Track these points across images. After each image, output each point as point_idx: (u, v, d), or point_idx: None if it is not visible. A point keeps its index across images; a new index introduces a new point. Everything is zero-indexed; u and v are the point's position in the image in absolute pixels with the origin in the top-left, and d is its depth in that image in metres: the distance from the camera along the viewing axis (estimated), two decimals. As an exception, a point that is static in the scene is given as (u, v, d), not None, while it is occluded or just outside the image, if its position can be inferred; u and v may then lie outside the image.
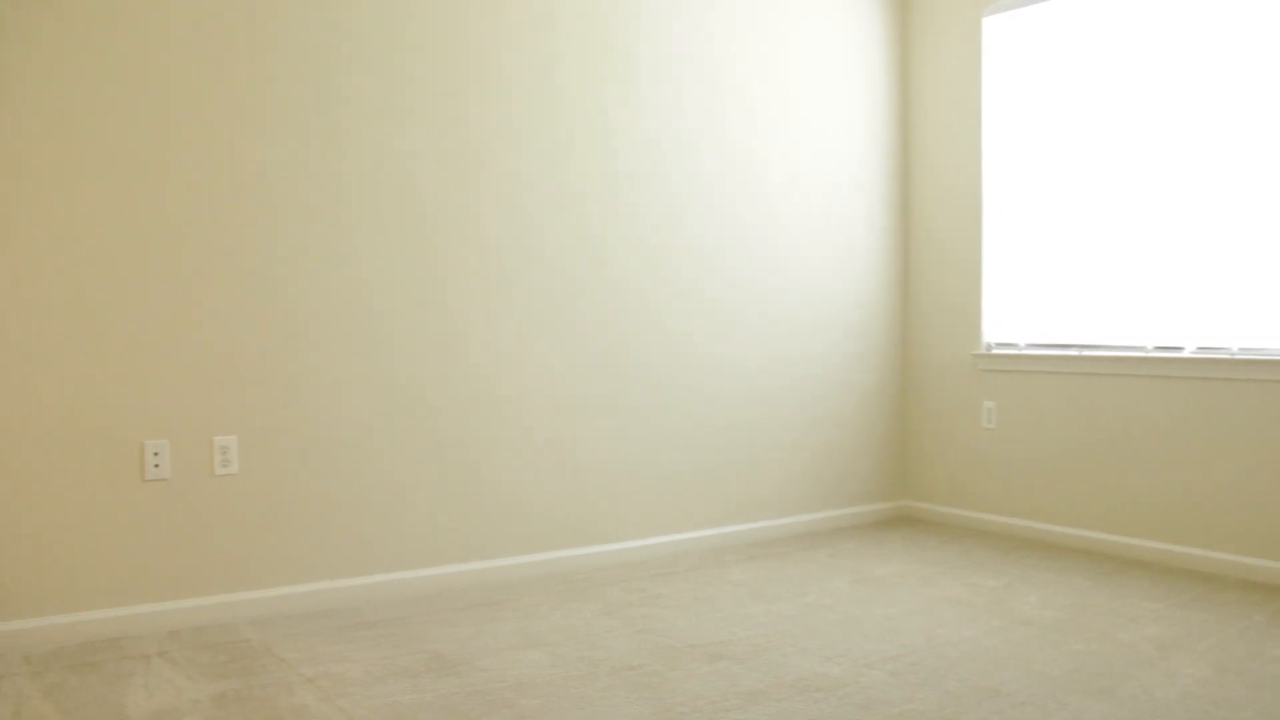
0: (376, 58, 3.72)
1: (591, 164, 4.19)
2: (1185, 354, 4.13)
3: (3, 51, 3.16)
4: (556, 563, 4.12)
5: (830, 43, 4.91)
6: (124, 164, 3.33)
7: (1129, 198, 4.35)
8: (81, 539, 3.29)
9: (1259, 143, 3.95)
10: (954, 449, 5.04)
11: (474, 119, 3.92)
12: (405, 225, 3.79)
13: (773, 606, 3.63)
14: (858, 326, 5.04)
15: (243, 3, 3.48)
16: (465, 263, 3.91)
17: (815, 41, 4.85)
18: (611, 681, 2.91)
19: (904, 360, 5.25)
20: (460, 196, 3.89)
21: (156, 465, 3.38)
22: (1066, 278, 4.57)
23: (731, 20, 4.57)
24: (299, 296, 3.60)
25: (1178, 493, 4.19)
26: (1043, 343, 4.68)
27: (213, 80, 3.45)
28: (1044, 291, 4.67)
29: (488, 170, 3.94)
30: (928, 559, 4.32)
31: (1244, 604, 3.63)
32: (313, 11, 3.59)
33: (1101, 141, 4.44)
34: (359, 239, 3.70)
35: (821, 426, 4.92)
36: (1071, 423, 4.55)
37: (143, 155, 3.35)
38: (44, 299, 3.22)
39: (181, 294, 3.41)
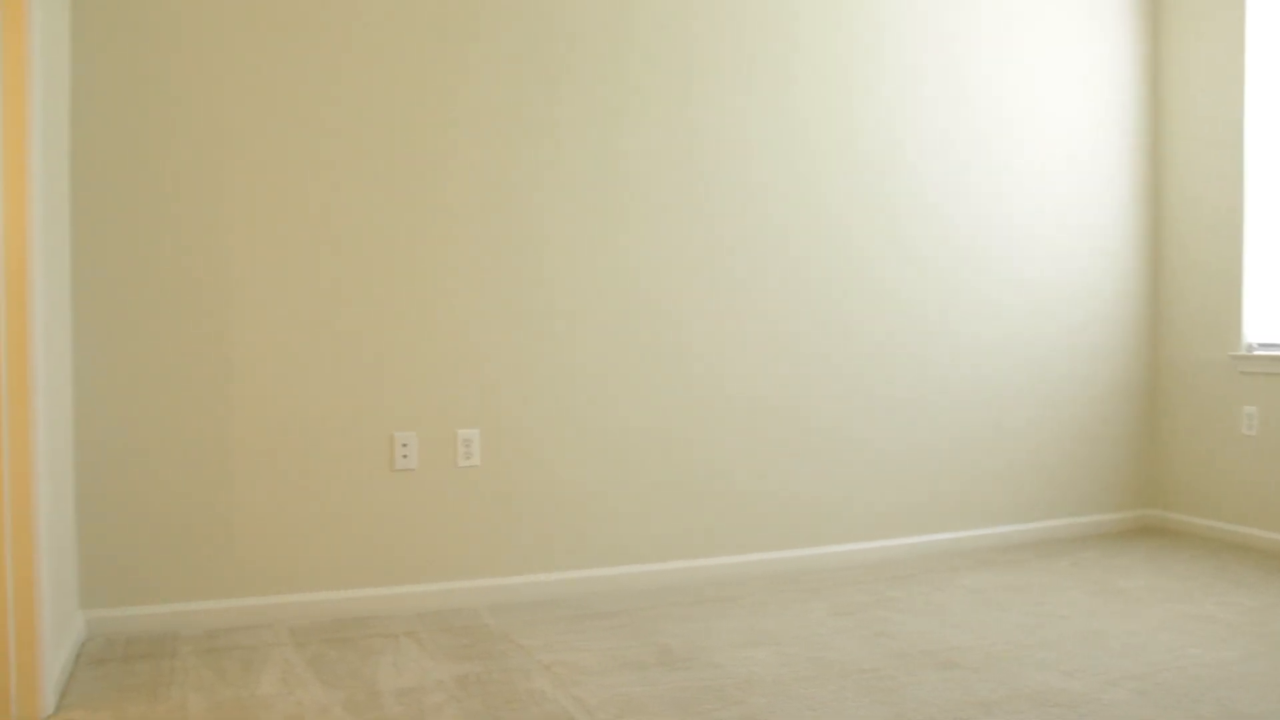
0: (605, 57, 3.81)
1: (834, 164, 4.15)
2: None
3: (254, 53, 3.41)
4: (786, 562, 4.11)
5: (1076, 36, 4.69)
6: (372, 168, 3.53)
7: None
8: (337, 522, 3.51)
9: None
10: (1208, 456, 4.74)
11: (711, 122, 3.95)
12: (643, 227, 3.86)
13: (1008, 615, 3.51)
14: (1102, 325, 4.80)
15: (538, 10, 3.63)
16: (697, 262, 3.95)
17: (1060, 35, 4.65)
18: (842, 684, 2.88)
19: (1153, 360, 4.96)
20: (690, 197, 3.93)
21: (405, 456, 3.57)
22: (1340, 274, 4.22)
23: (976, 17, 4.43)
24: (536, 296, 3.73)
25: None
26: (1312, 344, 4.34)
27: (491, 87, 3.61)
28: (1314, 289, 4.32)
29: (722, 171, 3.97)
30: (1177, 573, 4.08)
31: None
32: (601, 13, 3.71)
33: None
34: (589, 242, 3.80)
35: (1061, 429, 4.71)
36: (1344, 431, 4.20)
37: (391, 160, 3.55)
38: (304, 302, 3.46)
39: (429, 296, 3.59)
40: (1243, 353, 4.56)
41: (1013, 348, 4.57)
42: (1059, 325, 4.68)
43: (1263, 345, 4.53)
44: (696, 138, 3.94)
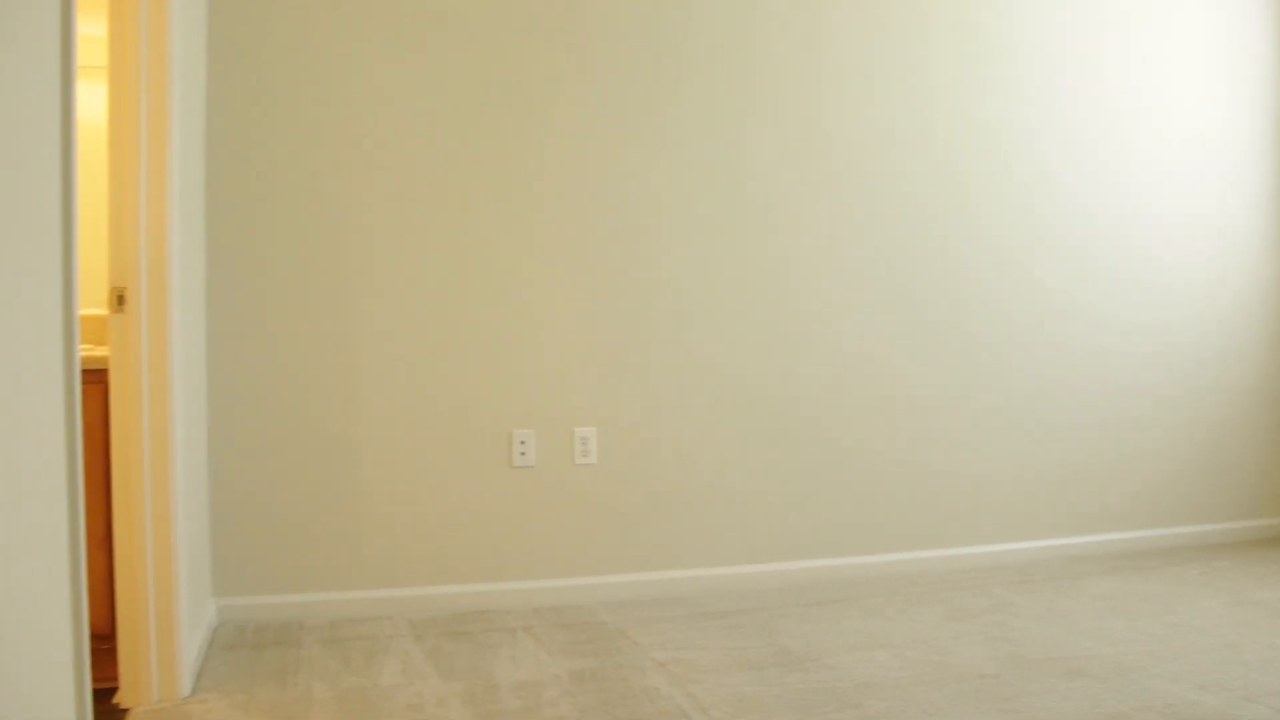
0: (728, 53, 3.80)
1: (968, 155, 4.08)
2: None
3: (360, 65, 3.49)
4: (904, 564, 4.05)
5: (1213, 25, 4.52)
6: (494, 171, 3.59)
7: None
8: (457, 518, 3.58)
9: None
10: (1353, 462, 4.52)
11: (841, 118, 3.92)
12: (756, 224, 3.84)
13: (1136, 624, 3.40)
14: (1237, 321, 4.62)
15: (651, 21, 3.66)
16: (827, 254, 3.92)
17: (1199, 25, 4.48)
18: (961, 689, 2.83)
19: (1292, 362, 4.76)
20: (811, 197, 3.90)
21: (523, 453, 3.62)
22: None
23: (1117, 8, 4.31)
24: (655, 295, 3.74)
25: None
26: None
27: (607, 87, 3.65)
28: None
29: (853, 166, 3.93)
30: (1320, 583, 3.91)
31: None
32: (720, 22, 3.72)
33: None
34: (709, 242, 3.80)
35: (1192, 430, 4.54)
36: None
37: (512, 163, 3.60)
38: (427, 302, 3.53)
39: (548, 296, 3.63)
40: (1391, 354, 4.33)
41: (1143, 345, 4.42)
42: (1191, 322, 4.52)
43: None
44: (826, 135, 3.91)
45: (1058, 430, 4.30)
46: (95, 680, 2.18)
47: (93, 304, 3.02)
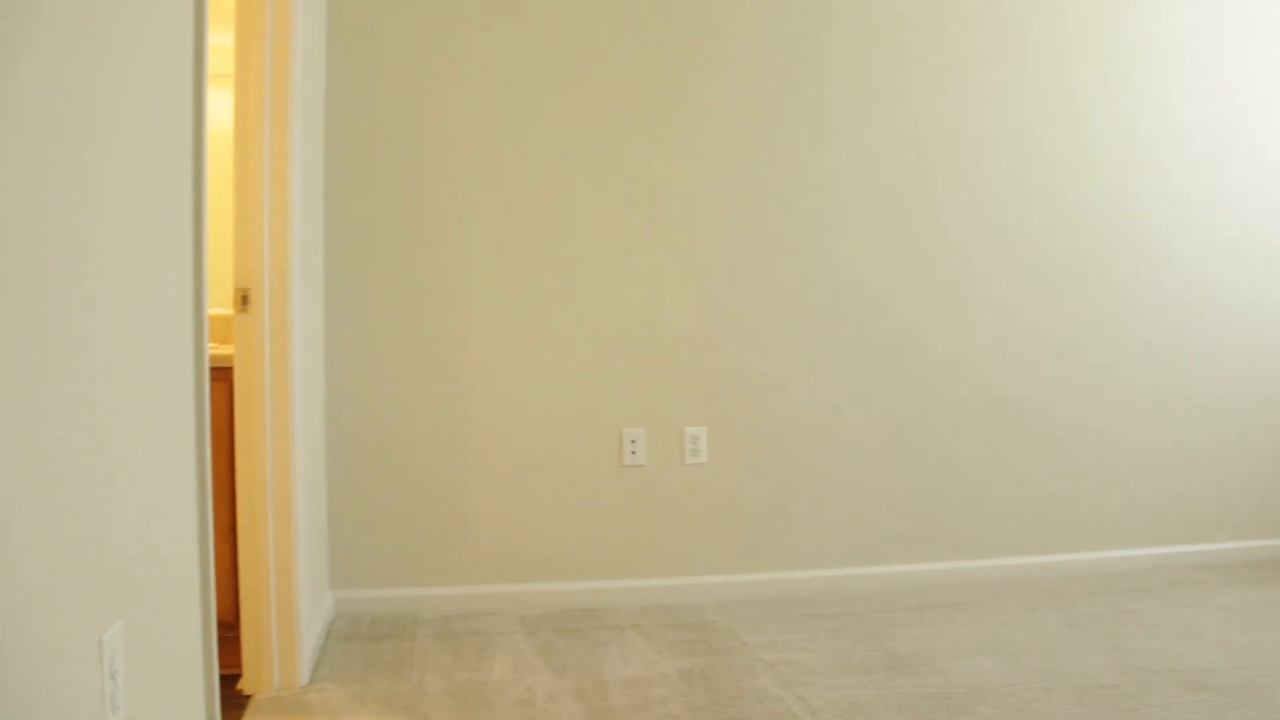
0: (869, 43, 3.77)
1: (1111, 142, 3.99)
2: None
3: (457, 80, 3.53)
4: (1018, 569, 3.97)
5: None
6: (606, 168, 3.61)
7: None
8: (568, 516, 3.62)
9: None
10: None
11: (983, 105, 3.86)
12: (868, 221, 3.81)
13: (1267, 638, 3.27)
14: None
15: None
16: (929, 259, 3.86)
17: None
18: (1077, 699, 2.76)
19: None
20: (924, 193, 3.85)
21: (633, 452, 3.64)
22: None
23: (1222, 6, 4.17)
24: (764, 295, 3.73)
25: None
26: None
27: (730, 87, 3.66)
28: None
29: (993, 153, 3.87)
30: None
31: None
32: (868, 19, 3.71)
33: None
34: (825, 238, 3.77)
35: (1326, 438, 4.36)
36: None
37: (628, 160, 3.62)
38: (538, 302, 3.57)
39: (658, 295, 3.64)
40: None
41: (1264, 347, 4.26)
42: (1325, 325, 4.33)
43: None
44: (965, 122, 3.85)
45: (1185, 432, 4.15)
46: (220, 668, 2.26)
47: (219, 304, 3.12)
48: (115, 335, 1.52)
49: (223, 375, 2.79)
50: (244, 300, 2.72)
